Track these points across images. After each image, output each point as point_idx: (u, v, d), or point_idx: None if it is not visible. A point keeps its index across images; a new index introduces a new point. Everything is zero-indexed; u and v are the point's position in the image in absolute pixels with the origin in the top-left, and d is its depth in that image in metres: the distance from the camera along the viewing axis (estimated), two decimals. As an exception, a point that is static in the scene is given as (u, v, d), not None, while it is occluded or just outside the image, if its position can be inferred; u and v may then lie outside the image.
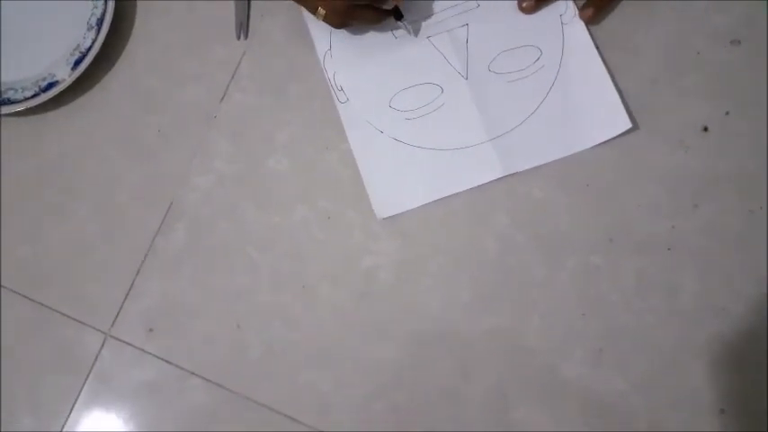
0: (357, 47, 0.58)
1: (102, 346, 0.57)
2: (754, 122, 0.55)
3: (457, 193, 0.56)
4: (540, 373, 0.54)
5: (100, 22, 0.59)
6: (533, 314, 0.54)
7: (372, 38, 0.58)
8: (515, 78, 0.57)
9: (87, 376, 0.56)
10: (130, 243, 0.58)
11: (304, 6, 0.54)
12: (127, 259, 0.58)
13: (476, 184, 0.56)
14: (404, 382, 0.54)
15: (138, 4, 0.62)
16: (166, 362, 0.56)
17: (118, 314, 0.57)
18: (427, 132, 0.57)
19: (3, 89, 0.60)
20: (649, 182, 0.55)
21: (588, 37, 0.57)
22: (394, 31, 0.58)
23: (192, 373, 0.55)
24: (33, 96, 0.59)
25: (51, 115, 0.61)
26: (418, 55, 0.58)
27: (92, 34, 0.59)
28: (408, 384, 0.54)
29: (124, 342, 0.56)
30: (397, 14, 0.56)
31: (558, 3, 0.58)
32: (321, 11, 0.52)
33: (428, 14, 0.58)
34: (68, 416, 0.56)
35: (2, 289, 0.58)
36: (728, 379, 0.52)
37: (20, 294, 0.58)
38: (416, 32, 0.58)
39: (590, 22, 0.57)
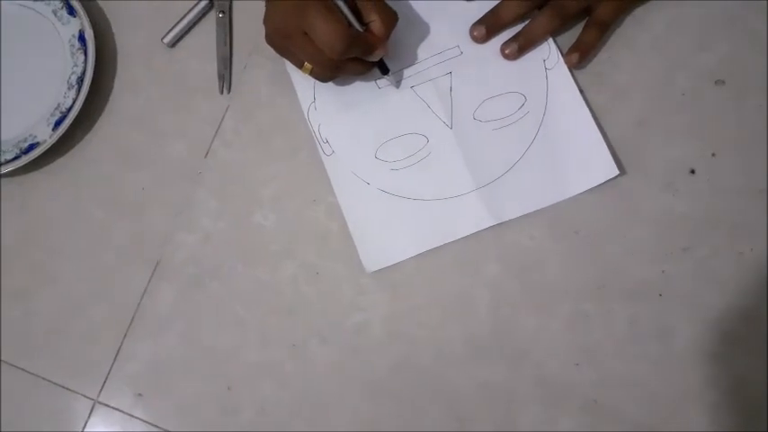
0: (341, 98, 0.58)
1: (91, 413, 0.56)
2: (741, 163, 0.55)
3: (446, 244, 0.56)
4: (536, 425, 0.53)
5: (80, 80, 0.59)
6: (527, 365, 0.54)
7: (356, 89, 0.58)
8: (500, 126, 0.56)
9: (77, 445, 0.56)
10: (117, 305, 0.57)
11: (289, 61, 0.54)
12: (114, 322, 0.57)
13: (464, 235, 0.55)
14: (399, 439, 0.54)
15: (119, 60, 0.61)
16: (156, 427, 0.55)
17: (106, 379, 0.56)
18: (414, 183, 0.57)
19: (-17, 152, 0.59)
20: (638, 226, 0.55)
21: (572, 81, 0.56)
22: (377, 82, 0.58)
23: (184, 438, 0.55)
24: (14, 159, 0.58)
25: (33, 176, 0.60)
26: (402, 105, 0.57)
27: (72, 93, 0.59)
28: (403, 441, 0.54)
29: (113, 408, 0.56)
30: (383, 69, 0.55)
31: (541, 48, 0.57)
32: (308, 65, 0.52)
33: (411, 63, 0.58)
34: (58, 485, 0.55)
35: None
36: (725, 425, 0.52)
37: (3, 362, 0.57)
38: (399, 84, 0.57)
39: (576, 66, 0.56)
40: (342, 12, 0.50)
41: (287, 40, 0.51)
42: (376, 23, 0.52)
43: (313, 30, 0.49)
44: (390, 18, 0.52)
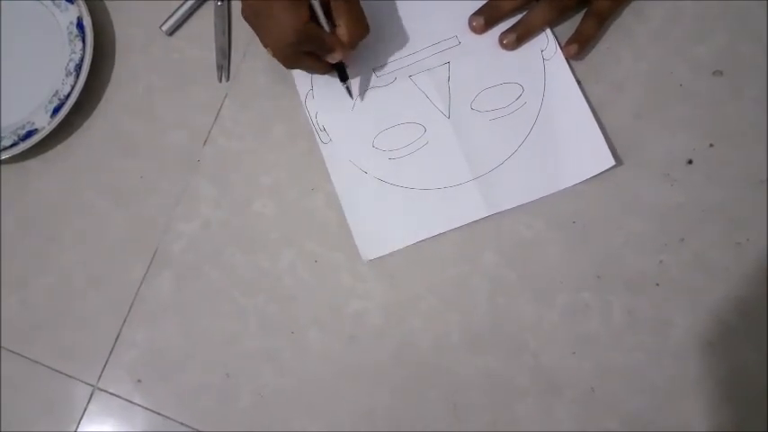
0: (339, 87, 0.57)
1: (90, 399, 0.56)
2: (739, 154, 0.55)
3: (444, 233, 0.56)
4: (533, 414, 0.53)
5: (78, 67, 0.59)
6: (524, 353, 0.54)
7: (354, 78, 0.58)
8: (497, 116, 0.56)
9: (75, 431, 0.56)
10: (116, 292, 0.57)
11: (259, 38, 0.53)
12: (113, 309, 0.57)
13: (461, 224, 0.56)
14: (396, 426, 0.54)
15: (117, 47, 0.61)
16: (156, 413, 0.55)
17: (105, 366, 0.56)
18: (411, 172, 0.57)
19: (-20, 139, 0.59)
20: (635, 217, 0.55)
21: (570, 72, 0.56)
22: (375, 71, 0.58)
23: (182, 424, 0.55)
24: (12, 146, 0.58)
25: (31, 163, 0.60)
26: (400, 94, 0.57)
27: (70, 80, 0.59)
28: (401, 428, 0.54)
29: (112, 394, 0.56)
30: (342, 75, 0.55)
31: (539, 38, 0.57)
32: (269, 50, 0.52)
33: (409, 52, 0.58)
34: (57, 471, 0.56)
35: (-14, 341, 0.58)
36: (723, 415, 0.52)
37: (3, 348, 0.57)
38: (352, 94, 0.57)
39: (574, 57, 0.56)
40: (311, 4, 0.49)
41: (256, 18, 0.51)
42: (341, 29, 0.51)
43: (272, 14, 0.48)
44: (358, 29, 0.52)
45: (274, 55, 0.52)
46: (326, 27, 0.51)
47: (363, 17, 0.52)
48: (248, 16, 0.52)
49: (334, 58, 0.53)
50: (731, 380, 0.53)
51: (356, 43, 0.53)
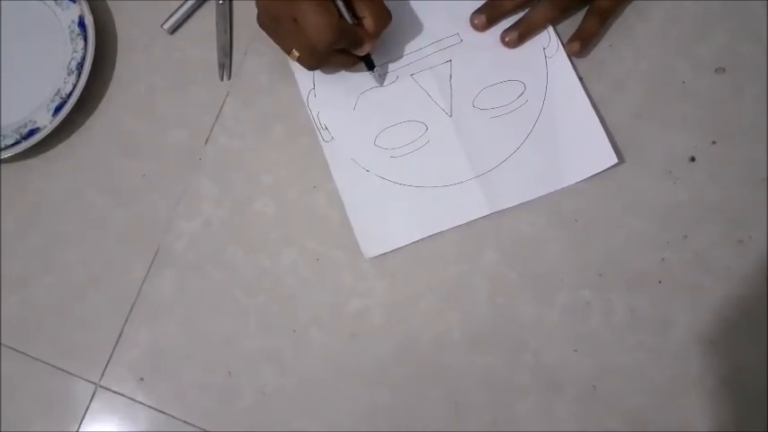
0: (341, 86, 0.58)
1: (93, 397, 0.56)
2: (741, 151, 0.55)
3: (445, 231, 0.56)
4: (534, 412, 0.54)
5: (80, 66, 0.58)
6: (525, 352, 0.54)
7: (356, 76, 0.58)
8: (499, 114, 0.56)
9: (78, 429, 0.56)
10: (118, 291, 0.57)
11: (278, 45, 0.53)
12: (115, 307, 0.57)
13: (462, 222, 0.56)
14: (397, 425, 0.54)
15: (119, 46, 0.61)
16: (158, 411, 0.55)
17: (107, 364, 0.56)
18: (413, 170, 0.57)
19: (-18, 138, 0.59)
20: (638, 214, 0.55)
21: (572, 70, 0.56)
22: (377, 69, 0.58)
23: (185, 422, 0.55)
24: (14, 144, 0.58)
25: (33, 162, 0.60)
26: (402, 93, 0.57)
27: (72, 79, 0.59)
28: (402, 427, 0.54)
29: (115, 392, 0.56)
30: (369, 64, 0.55)
31: (541, 36, 0.57)
32: (295, 52, 0.52)
33: (411, 51, 0.58)
34: (60, 469, 0.56)
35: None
36: (723, 414, 0.52)
37: (5, 346, 0.57)
38: (383, 81, 0.57)
39: (577, 55, 0.56)
40: (334, 2, 0.50)
41: (276, 23, 0.51)
42: (367, 20, 0.51)
43: (303, 17, 0.48)
44: (383, 18, 0.52)
45: (301, 57, 0.52)
46: (350, 21, 0.51)
47: (385, 5, 0.52)
48: (266, 23, 0.52)
49: (363, 50, 0.53)
50: (732, 379, 0.53)
51: (381, 32, 0.53)
